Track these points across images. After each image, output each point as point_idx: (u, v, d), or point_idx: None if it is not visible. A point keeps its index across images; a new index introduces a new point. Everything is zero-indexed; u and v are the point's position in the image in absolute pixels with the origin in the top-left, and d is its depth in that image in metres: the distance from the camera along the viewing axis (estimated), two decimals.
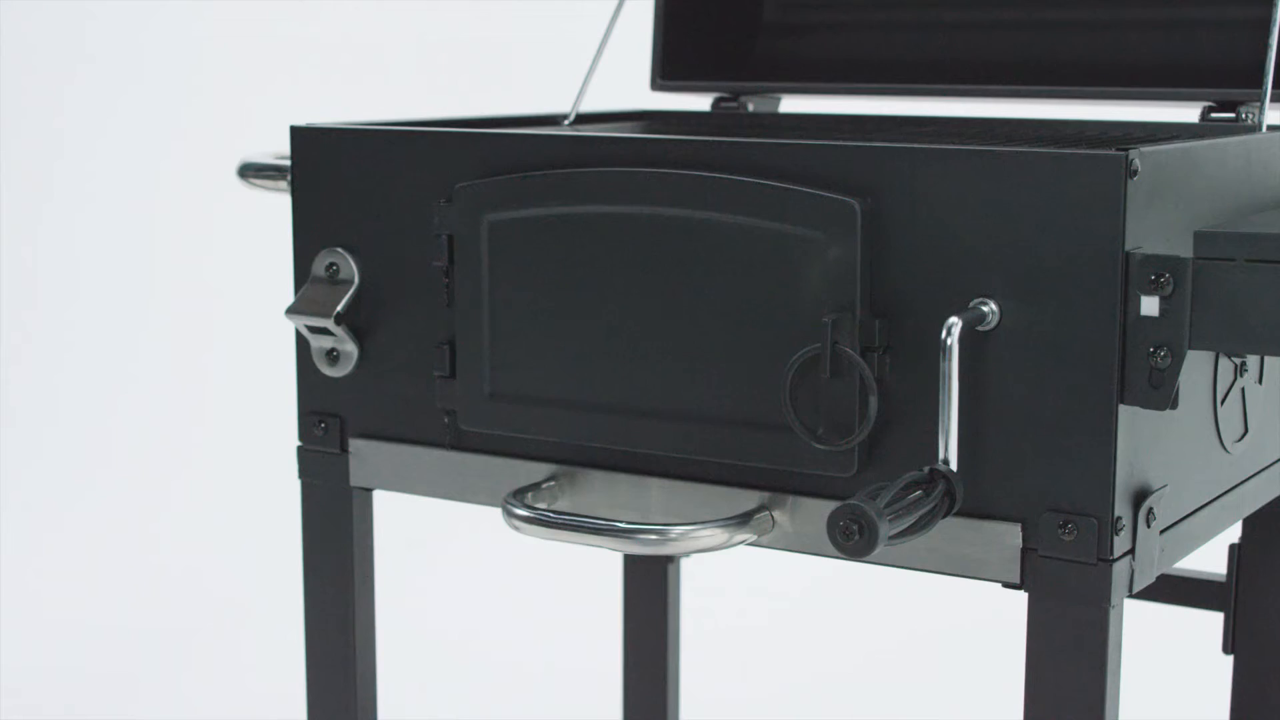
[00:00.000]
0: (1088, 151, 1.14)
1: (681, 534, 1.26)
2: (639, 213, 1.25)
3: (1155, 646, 2.22)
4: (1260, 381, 1.36)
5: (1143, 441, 1.19)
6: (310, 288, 1.44)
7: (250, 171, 1.59)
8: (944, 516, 1.17)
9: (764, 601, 3.01)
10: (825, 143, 1.23)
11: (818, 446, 1.22)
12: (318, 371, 1.46)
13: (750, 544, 1.28)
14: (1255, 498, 1.40)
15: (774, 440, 1.24)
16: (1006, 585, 1.21)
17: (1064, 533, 1.17)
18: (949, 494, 1.16)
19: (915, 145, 1.20)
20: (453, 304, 1.37)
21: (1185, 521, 1.27)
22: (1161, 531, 1.22)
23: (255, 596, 2.98)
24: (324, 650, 1.50)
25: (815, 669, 2.74)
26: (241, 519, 3.27)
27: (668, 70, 1.80)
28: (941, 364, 1.15)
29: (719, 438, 1.27)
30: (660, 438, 1.28)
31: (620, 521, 1.27)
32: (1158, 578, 1.23)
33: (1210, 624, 1.65)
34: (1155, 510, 1.20)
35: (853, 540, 1.10)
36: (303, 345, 1.47)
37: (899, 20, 1.73)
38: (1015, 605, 1.23)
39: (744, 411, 1.26)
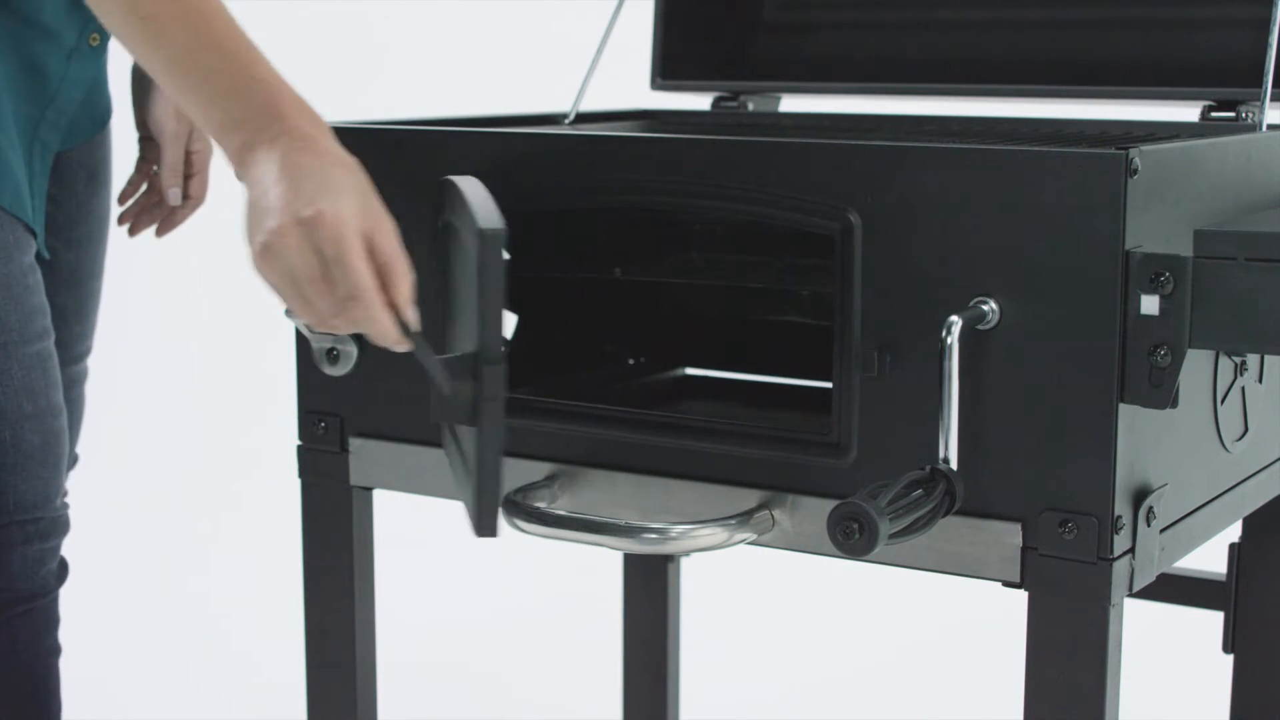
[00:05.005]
0: (1088, 150, 1.14)
1: (681, 534, 1.26)
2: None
3: (1155, 646, 2.22)
4: (1260, 381, 1.36)
5: (1143, 441, 1.18)
6: None
7: None
8: (944, 515, 1.17)
9: (764, 601, 3.00)
10: (824, 142, 1.23)
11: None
12: (318, 371, 1.46)
13: (750, 543, 1.28)
14: (1255, 497, 1.40)
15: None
16: (1006, 584, 1.21)
17: (1064, 532, 1.17)
18: (949, 493, 1.16)
19: (916, 145, 1.20)
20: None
21: (1185, 521, 1.27)
22: (1161, 530, 1.22)
23: (255, 596, 2.98)
24: (324, 650, 1.50)
25: (815, 668, 2.74)
26: (241, 519, 3.27)
27: (668, 70, 1.80)
28: (942, 363, 1.15)
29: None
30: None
31: (620, 521, 1.27)
32: (1158, 577, 1.23)
33: (1210, 623, 1.65)
34: (1155, 509, 1.20)
35: (853, 539, 1.10)
36: (303, 345, 1.47)
37: (899, 20, 1.73)
38: (1015, 604, 1.23)
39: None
